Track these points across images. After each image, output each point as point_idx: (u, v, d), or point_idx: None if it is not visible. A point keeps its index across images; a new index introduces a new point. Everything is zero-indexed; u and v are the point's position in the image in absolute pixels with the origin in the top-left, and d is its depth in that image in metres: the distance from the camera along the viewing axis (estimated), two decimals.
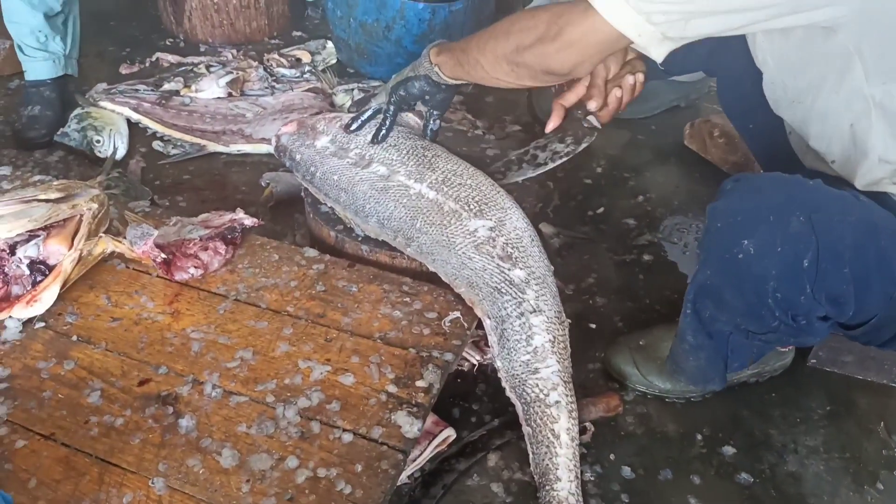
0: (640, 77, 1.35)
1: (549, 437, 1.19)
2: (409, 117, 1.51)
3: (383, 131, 1.40)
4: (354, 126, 1.44)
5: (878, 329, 1.13)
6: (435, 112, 1.43)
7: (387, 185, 1.38)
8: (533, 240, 1.30)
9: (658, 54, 1.06)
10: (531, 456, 1.22)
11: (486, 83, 1.27)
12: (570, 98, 1.37)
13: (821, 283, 1.04)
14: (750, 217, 1.07)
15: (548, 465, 1.19)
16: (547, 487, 1.18)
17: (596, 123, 1.38)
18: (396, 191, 1.37)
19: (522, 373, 1.22)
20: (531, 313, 1.24)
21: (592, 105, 1.34)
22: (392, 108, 1.39)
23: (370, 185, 1.39)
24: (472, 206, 1.32)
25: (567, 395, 1.21)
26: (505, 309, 1.24)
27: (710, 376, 1.34)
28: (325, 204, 1.49)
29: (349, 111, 1.51)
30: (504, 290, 1.25)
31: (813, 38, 1.06)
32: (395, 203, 1.36)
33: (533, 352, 1.22)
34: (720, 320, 1.21)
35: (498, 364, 1.26)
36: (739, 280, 1.10)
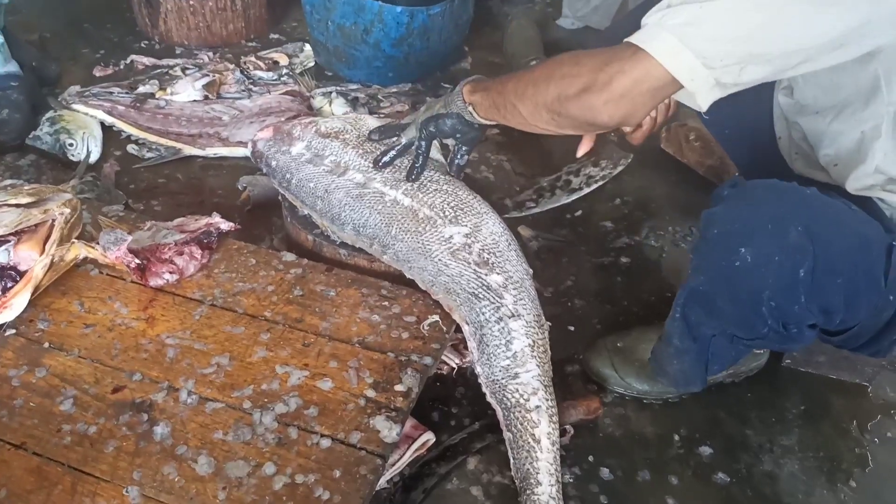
0: (672, 104, 1.30)
1: (529, 442, 1.19)
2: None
3: (417, 168, 1.35)
4: (385, 160, 1.38)
5: (857, 336, 1.15)
6: (464, 147, 1.37)
7: (362, 193, 1.37)
8: (510, 244, 1.30)
9: (705, 102, 1.00)
10: (512, 460, 1.21)
11: (523, 129, 1.20)
12: None
13: (815, 293, 1.05)
14: (747, 225, 1.06)
15: (528, 469, 1.19)
16: (528, 492, 1.18)
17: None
18: (371, 198, 1.36)
19: (502, 378, 1.22)
20: (510, 318, 1.24)
21: (626, 127, 1.26)
22: (424, 143, 1.33)
23: (346, 193, 1.38)
24: (447, 213, 1.32)
25: (547, 400, 1.21)
26: (483, 314, 1.24)
27: (691, 379, 1.35)
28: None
29: (370, 138, 1.44)
30: (481, 296, 1.25)
31: (845, 69, 1.04)
32: (371, 210, 1.35)
33: (513, 357, 1.22)
34: (706, 325, 1.22)
35: (478, 369, 1.26)
36: (735, 288, 1.10)
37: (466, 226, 1.30)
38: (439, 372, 1.42)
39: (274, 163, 1.50)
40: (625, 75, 0.99)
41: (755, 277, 1.06)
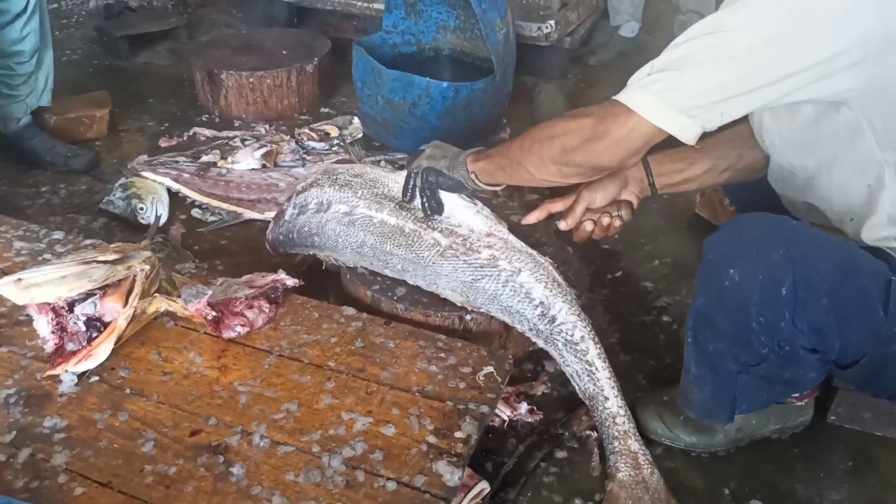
0: (617, 223, 1.52)
1: (587, 368, 1.40)
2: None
3: (427, 206, 1.54)
4: (406, 198, 1.58)
5: (879, 375, 1.19)
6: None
7: (352, 220, 1.57)
8: (479, 212, 1.53)
9: (693, 140, 1.17)
10: (577, 389, 1.42)
11: (528, 184, 1.40)
12: (557, 206, 1.54)
13: (801, 311, 1.14)
14: (736, 249, 1.18)
15: (593, 389, 1.40)
16: (599, 408, 1.39)
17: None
18: (362, 222, 1.56)
19: (543, 326, 1.40)
20: (513, 276, 1.42)
21: (563, 225, 1.52)
22: (426, 188, 1.53)
23: (337, 223, 1.59)
24: (427, 222, 1.53)
25: (585, 327, 1.40)
26: (490, 289, 1.43)
27: (713, 411, 1.38)
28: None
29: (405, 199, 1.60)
30: (480, 276, 1.43)
31: (821, 116, 1.16)
32: (364, 232, 1.55)
33: (540, 304, 1.40)
34: (720, 351, 1.27)
35: (520, 329, 1.45)
36: (727, 305, 1.20)
37: (444, 227, 1.51)
38: (491, 424, 1.47)
39: (282, 238, 1.72)
40: (619, 126, 1.19)
41: (742, 294, 1.17)
